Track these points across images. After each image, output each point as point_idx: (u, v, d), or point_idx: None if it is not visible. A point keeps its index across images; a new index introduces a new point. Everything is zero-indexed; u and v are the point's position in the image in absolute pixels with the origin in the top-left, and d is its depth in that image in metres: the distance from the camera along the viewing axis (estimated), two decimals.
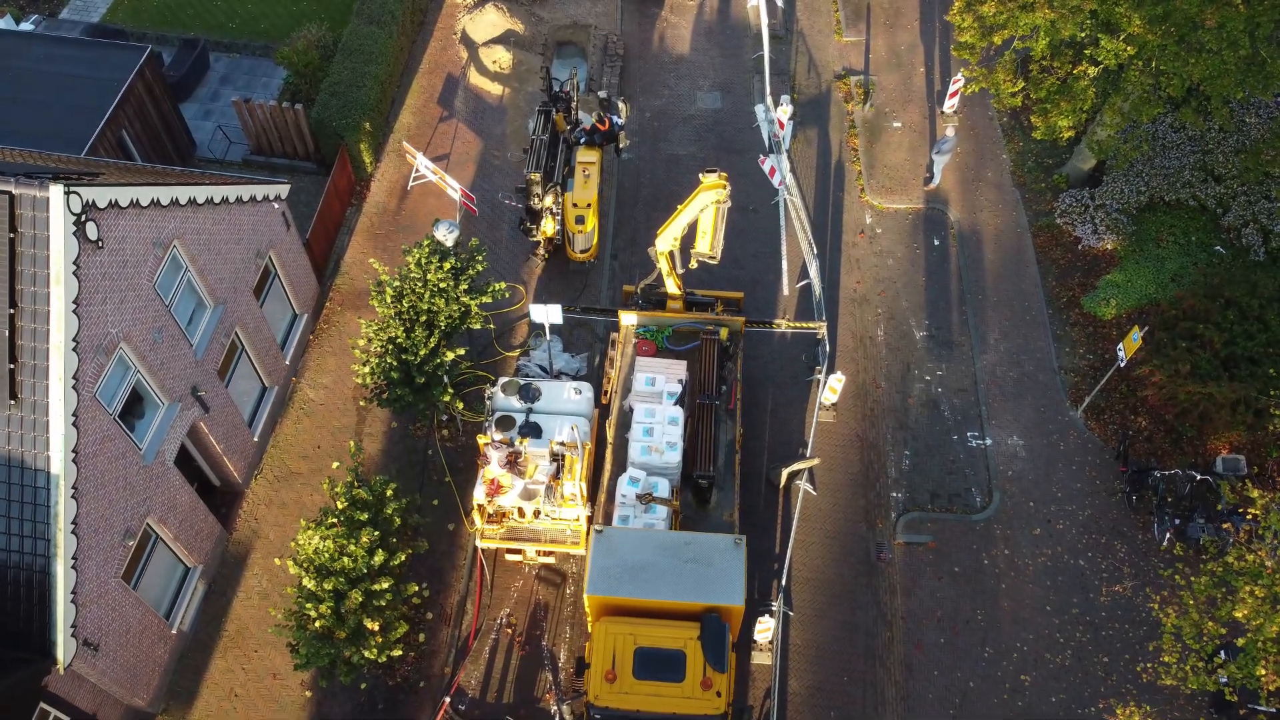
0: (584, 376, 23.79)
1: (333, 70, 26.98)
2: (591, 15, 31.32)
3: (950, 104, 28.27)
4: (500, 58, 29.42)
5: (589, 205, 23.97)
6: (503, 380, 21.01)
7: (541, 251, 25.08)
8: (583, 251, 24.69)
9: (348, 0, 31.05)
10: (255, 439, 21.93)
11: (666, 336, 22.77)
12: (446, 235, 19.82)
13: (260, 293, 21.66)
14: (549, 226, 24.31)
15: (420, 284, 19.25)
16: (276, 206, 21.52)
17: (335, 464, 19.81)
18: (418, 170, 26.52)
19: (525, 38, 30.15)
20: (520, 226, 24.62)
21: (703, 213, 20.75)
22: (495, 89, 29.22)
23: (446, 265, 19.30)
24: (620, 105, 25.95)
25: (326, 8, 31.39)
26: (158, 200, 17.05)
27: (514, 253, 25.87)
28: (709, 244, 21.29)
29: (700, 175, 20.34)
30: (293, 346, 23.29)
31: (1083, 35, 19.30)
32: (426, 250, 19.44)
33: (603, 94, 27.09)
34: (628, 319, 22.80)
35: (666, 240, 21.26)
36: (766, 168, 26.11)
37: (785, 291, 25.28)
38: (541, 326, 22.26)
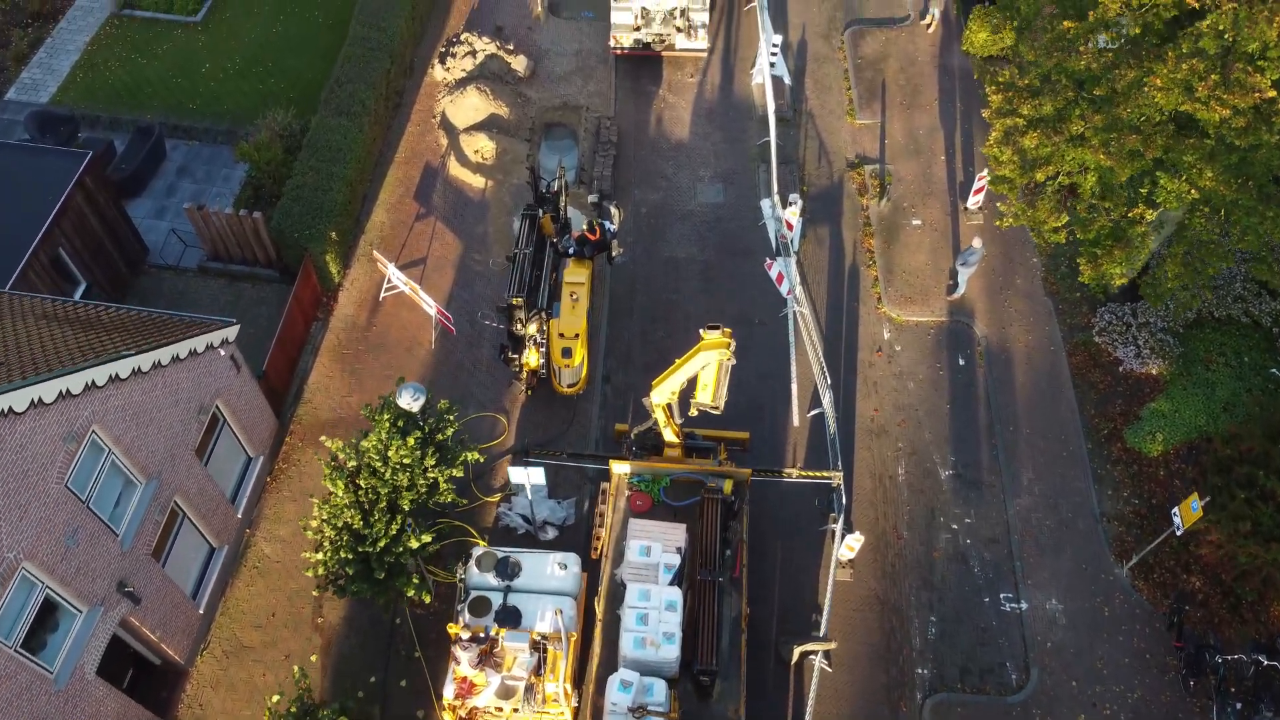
0: (572, 526, 21.36)
1: (296, 170, 24.51)
2: (583, 94, 28.85)
3: (975, 200, 25.81)
4: (483, 146, 26.94)
5: (577, 335, 21.51)
6: (477, 552, 18.57)
7: (524, 387, 22.61)
8: (570, 386, 22.23)
9: (318, 78, 28.61)
10: (201, 610, 19.48)
11: (663, 488, 20.33)
12: (411, 402, 17.36)
13: (205, 450, 19.22)
14: (533, 358, 21.85)
15: (380, 462, 16.79)
16: (224, 353, 19.07)
17: (275, 697, 17.20)
18: (389, 280, 24.06)
19: (510, 122, 27.68)
20: (500, 356, 22.16)
21: (704, 368, 18.33)
22: (477, 181, 26.74)
23: (411, 440, 16.84)
24: (613, 210, 23.50)
25: (295, 85, 28.94)
26: (68, 391, 14.60)
27: (495, 375, 23.40)
28: (711, 395, 18.87)
29: (702, 331, 17.92)
30: (246, 495, 20.85)
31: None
32: (386, 425, 16.97)
33: (593, 198, 24.63)
34: (620, 468, 20.36)
35: (663, 394, 18.82)
36: (774, 273, 23.71)
37: (796, 422, 22.82)
38: (522, 486, 19.83)
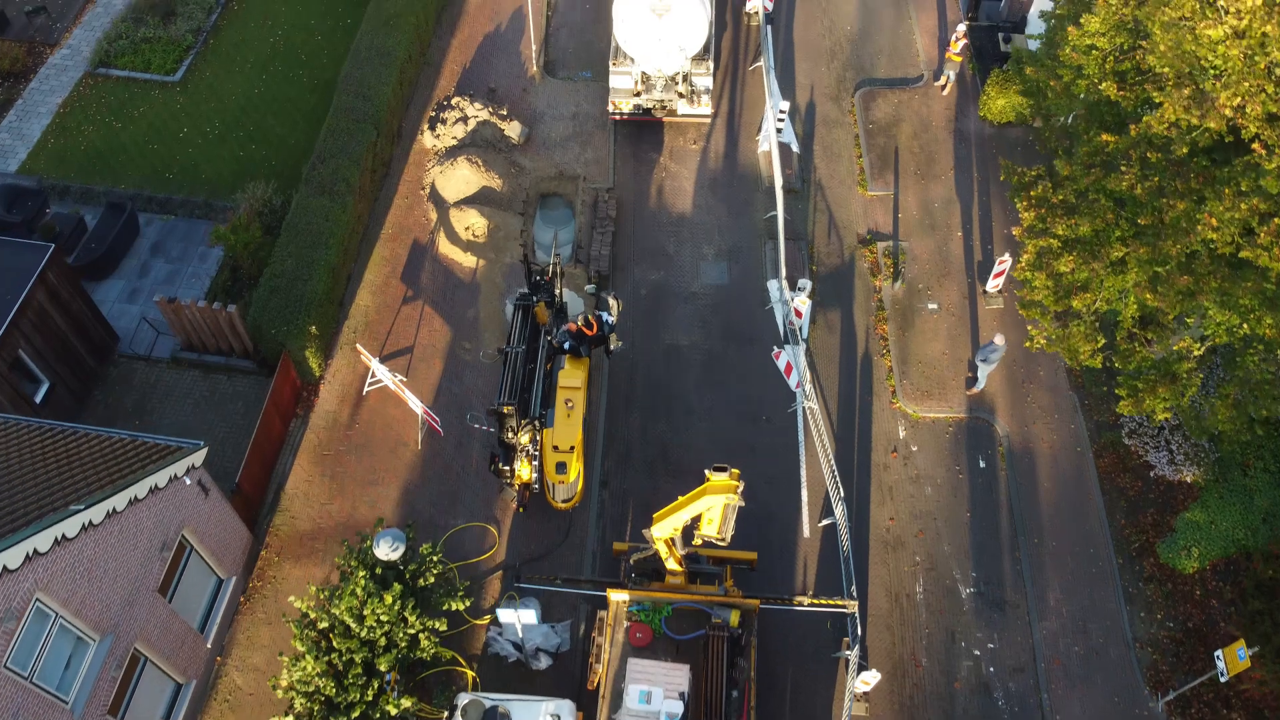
0: (566, 653, 19.92)
1: (275, 255, 23.07)
2: (580, 163, 27.39)
3: (994, 284, 24.35)
4: (474, 223, 25.48)
5: (572, 448, 20.06)
6: (463, 700, 17.13)
7: (516, 504, 21.15)
8: (565, 501, 20.79)
9: (302, 143, 27.19)
10: None
11: (665, 618, 18.90)
12: (390, 552, 15.92)
13: (170, 585, 17.78)
14: (525, 470, 20.40)
15: (355, 623, 15.35)
16: (190, 480, 17.63)
17: None
18: (373, 375, 22.61)
19: (503, 195, 26.23)
20: (491, 467, 20.70)
21: (709, 508, 16.91)
22: (468, 260, 25.29)
23: (390, 596, 15.40)
24: (610, 302, 22.03)
25: (277, 151, 27.52)
26: (4, 568, 13.16)
27: (485, 480, 21.96)
28: (717, 530, 17.46)
29: (707, 472, 16.49)
30: (216, 622, 19.41)
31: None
32: (362, 583, 15.51)
33: (590, 287, 23.18)
34: (618, 596, 18.93)
35: (664, 530, 17.39)
36: (782, 364, 22.29)
37: (806, 533, 21.38)
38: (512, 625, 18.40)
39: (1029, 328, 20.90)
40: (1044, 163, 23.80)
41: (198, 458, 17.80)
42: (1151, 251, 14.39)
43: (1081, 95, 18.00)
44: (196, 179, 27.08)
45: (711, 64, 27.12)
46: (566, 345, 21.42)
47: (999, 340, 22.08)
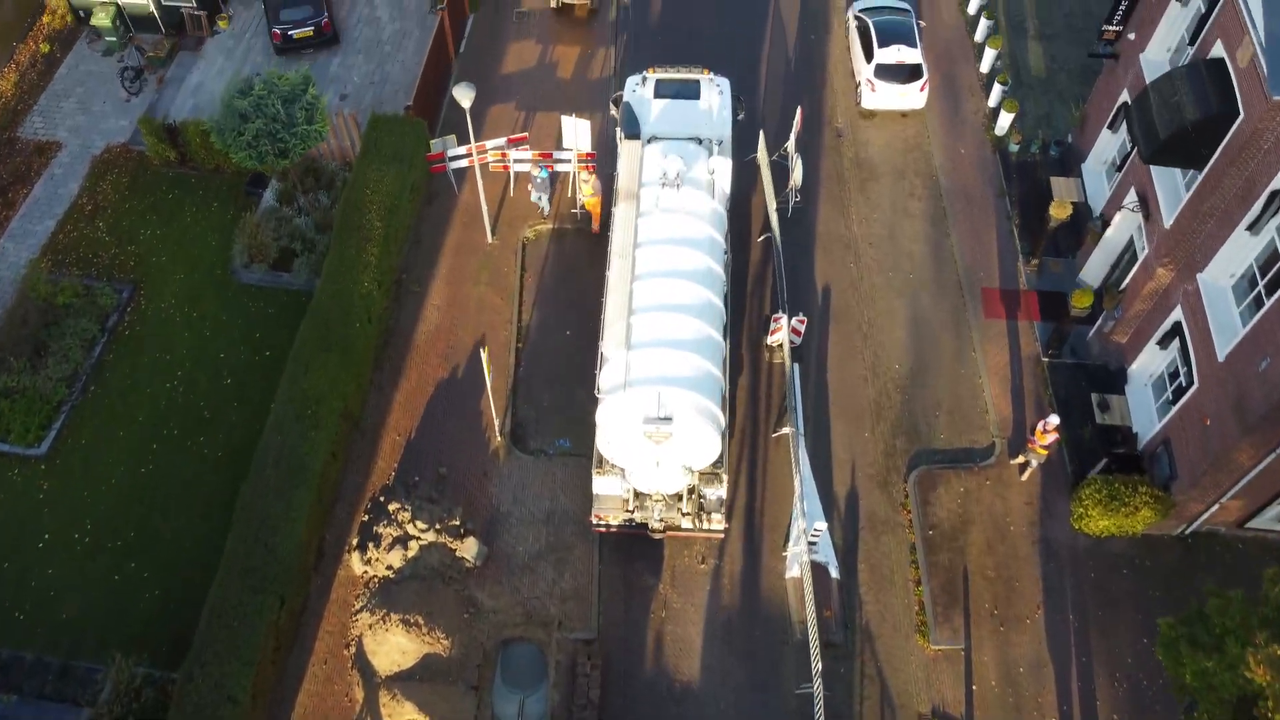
0: None
1: None
2: (554, 595, 21.07)
3: None
4: None
5: None
6: None
7: None
8: None
9: (199, 551, 21.00)
10: None
11: None
12: None
13: None
14: None
15: None
16: None
17: None
18: None
19: (452, 659, 19.93)
20: None
21: None
22: None
23: None
24: None
25: (165, 572, 21.29)
26: None
27: None
28: None
29: None
30: None
31: None
32: None
33: None
34: None
35: None
36: None
37: None
38: None
39: None
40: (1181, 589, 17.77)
41: None
42: None
43: None
44: (54, 622, 20.79)
45: (726, 476, 20.75)
46: None
47: None
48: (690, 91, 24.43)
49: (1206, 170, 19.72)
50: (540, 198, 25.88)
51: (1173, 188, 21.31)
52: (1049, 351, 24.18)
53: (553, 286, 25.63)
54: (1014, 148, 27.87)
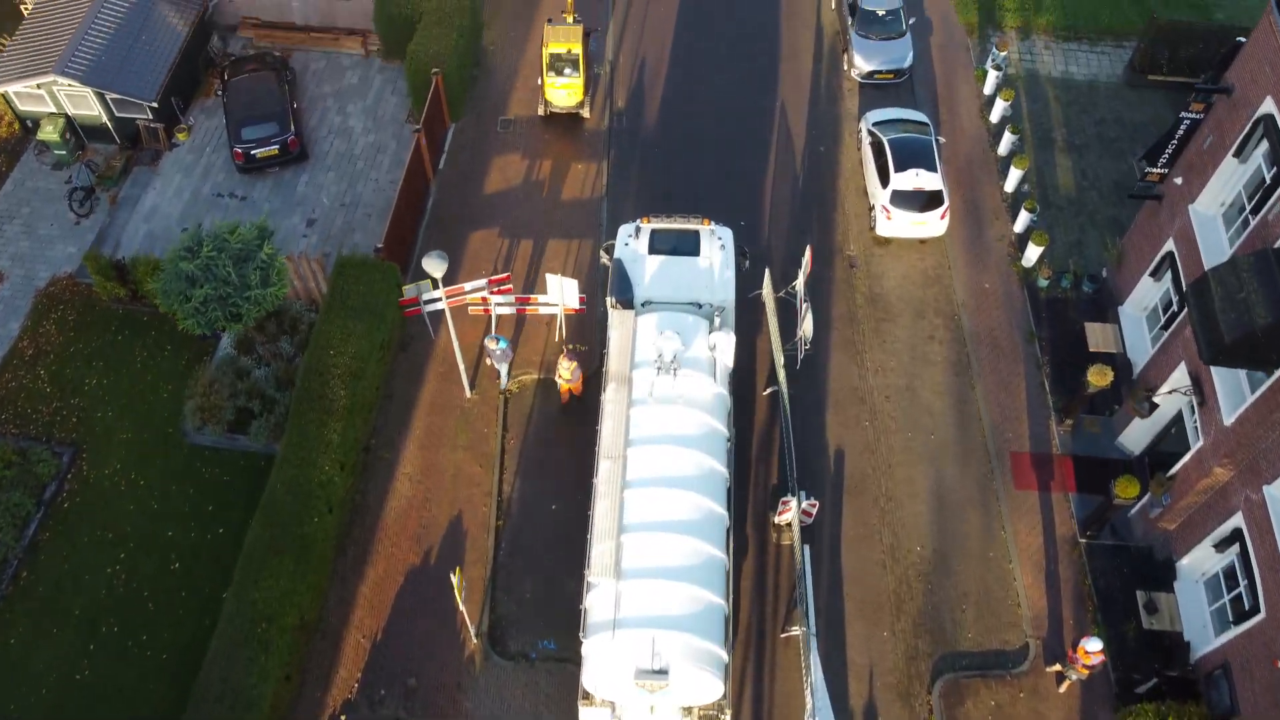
0: None
1: None
2: None
3: None
4: None
5: None
6: None
7: None
8: None
9: None
10: None
11: None
12: None
13: None
14: None
15: None
16: None
17: None
18: None
19: None
20: None
21: None
22: None
23: None
24: None
25: None
26: None
27: None
28: None
29: None
30: None
31: None
32: None
33: None
34: None
35: None
36: None
37: None
38: None
39: None
40: None
41: None
42: None
43: None
44: None
45: (730, 709, 18.32)
46: None
47: None
48: (688, 245, 22.01)
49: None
50: (500, 368, 23.47)
51: (1234, 380, 18.91)
52: (1087, 532, 21.80)
53: (538, 449, 23.22)
54: (1043, 283, 25.47)
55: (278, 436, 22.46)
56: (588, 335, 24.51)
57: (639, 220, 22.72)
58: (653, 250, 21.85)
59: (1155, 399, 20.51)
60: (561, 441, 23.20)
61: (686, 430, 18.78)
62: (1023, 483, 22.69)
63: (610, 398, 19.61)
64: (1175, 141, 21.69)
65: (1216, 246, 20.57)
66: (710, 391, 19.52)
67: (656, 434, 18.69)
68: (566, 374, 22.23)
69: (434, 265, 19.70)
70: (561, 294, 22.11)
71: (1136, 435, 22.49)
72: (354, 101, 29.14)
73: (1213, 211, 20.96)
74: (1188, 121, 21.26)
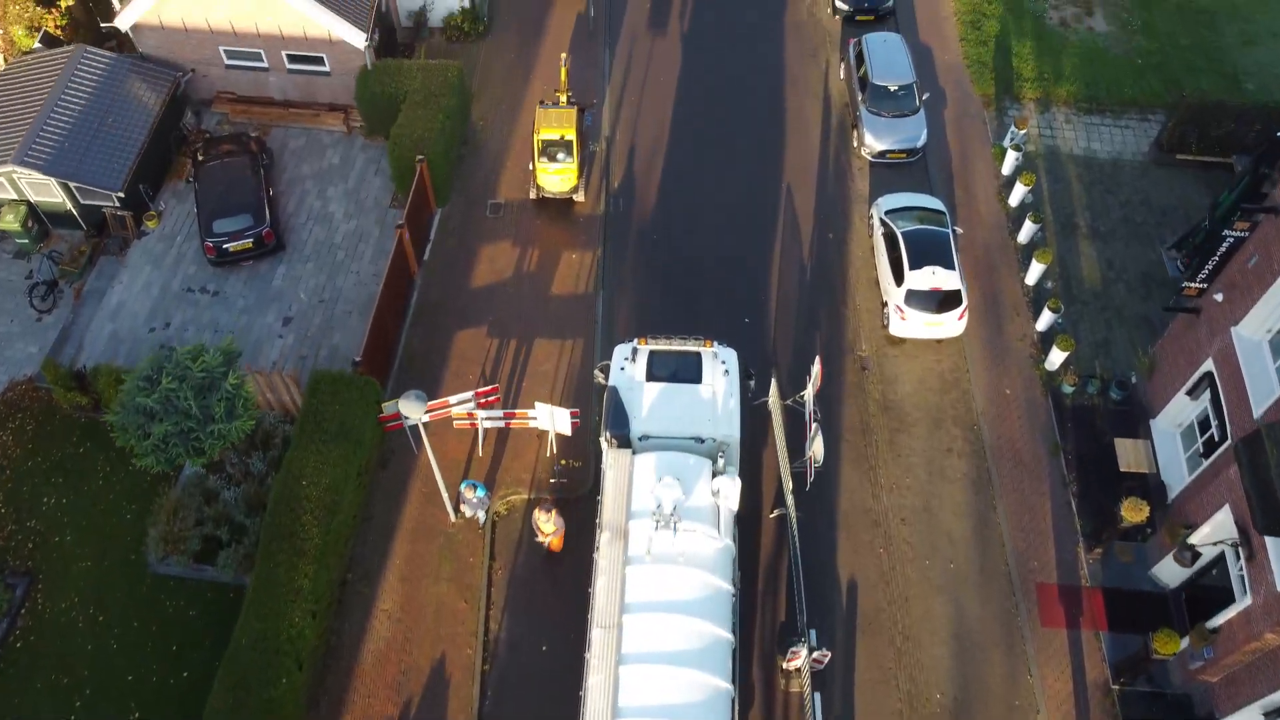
0: None
1: None
2: None
3: None
4: None
5: None
6: None
7: None
8: None
9: None
10: None
11: None
12: None
13: None
14: None
15: None
16: None
17: None
18: None
19: None
20: None
21: None
22: None
23: None
24: None
25: None
26: None
27: None
28: None
29: None
30: None
31: None
32: None
33: None
34: None
35: None
36: None
37: None
38: None
39: None
40: None
41: None
42: None
43: None
44: None
45: None
46: None
47: None
48: (689, 371, 20.37)
49: None
50: (478, 514, 21.83)
51: None
52: (1120, 679, 20.16)
53: (527, 580, 21.59)
54: (1068, 389, 23.83)
55: (248, 568, 20.86)
56: (581, 450, 22.88)
57: (635, 340, 21.07)
58: (651, 376, 20.22)
59: (1199, 548, 18.85)
60: (554, 570, 21.57)
61: (688, 594, 17.15)
62: (1050, 619, 21.06)
63: (604, 552, 17.96)
64: (1217, 258, 20.07)
65: (1263, 376, 18.95)
66: (714, 547, 17.89)
67: (655, 599, 17.04)
68: (548, 527, 20.52)
69: (412, 408, 18.06)
70: (553, 422, 20.49)
71: (1173, 570, 20.85)
72: (335, 184, 27.49)
73: (1258, 337, 19.33)
74: (1230, 239, 19.63)
